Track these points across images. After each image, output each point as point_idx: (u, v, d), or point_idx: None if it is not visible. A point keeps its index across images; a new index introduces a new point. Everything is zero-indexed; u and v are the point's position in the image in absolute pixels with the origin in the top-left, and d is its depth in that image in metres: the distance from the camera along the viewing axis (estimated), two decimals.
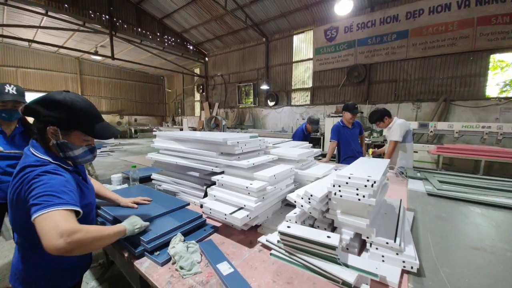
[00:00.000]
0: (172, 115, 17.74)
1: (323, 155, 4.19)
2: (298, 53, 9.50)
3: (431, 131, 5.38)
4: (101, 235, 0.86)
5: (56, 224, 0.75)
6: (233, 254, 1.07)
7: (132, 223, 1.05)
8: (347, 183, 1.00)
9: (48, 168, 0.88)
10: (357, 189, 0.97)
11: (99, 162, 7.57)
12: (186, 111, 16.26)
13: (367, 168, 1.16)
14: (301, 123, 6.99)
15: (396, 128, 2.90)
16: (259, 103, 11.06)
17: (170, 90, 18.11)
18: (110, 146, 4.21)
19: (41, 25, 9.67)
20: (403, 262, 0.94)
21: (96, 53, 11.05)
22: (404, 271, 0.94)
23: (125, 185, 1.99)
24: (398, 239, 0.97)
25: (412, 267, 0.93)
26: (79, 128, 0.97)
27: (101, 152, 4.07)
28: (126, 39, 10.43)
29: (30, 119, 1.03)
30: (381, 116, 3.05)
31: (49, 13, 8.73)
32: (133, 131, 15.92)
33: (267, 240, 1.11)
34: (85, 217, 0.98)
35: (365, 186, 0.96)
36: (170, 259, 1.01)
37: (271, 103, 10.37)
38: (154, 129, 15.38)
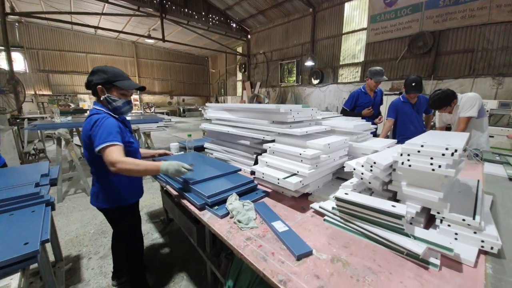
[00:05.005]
0: (215, 95, 18.40)
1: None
2: (349, 23, 8.55)
3: None
4: (136, 168, 1.22)
5: (109, 155, 1.19)
6: (285, 216, 1.10)
7: (169, 163, 1.28)
8: (419, 151, 0.89)
9: (103, 115, 1.32)
10: (431, 158, 0.87)
11: (156, 136, 8.47)
12: (229, 91, 16.62)
13: (441, 139, 1.02)
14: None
15: (468, 102, 2.40)
16: (302, 81, 10.58)
17: (213, 71, 18.63)
18: (165, 121, 4.64)
19: (104, 12, 10.73)
20: (482, 241, 0.83)
21: (149, 36, 11.88)
22: (481, 251, 0.84)
23: (182, 152, 2.19)
24: (478, 217, 0.85)
25: (492, 248, 0.82)
26: (115, 84, 1.36)
27: (157, 127, 4.52)
28: (174, 20, 10.88)
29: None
30: (448, 100, 2.44)
31: (110, 0, 9.58)
32: (181, 110, 17.14)
33: (320, 207, 1.10)
34: (131, 154, 1.41)
35: (443, 155, 0.84)
36: (228, 213, 1.09)
37: (315, 81, 9.80)
38: (200, 108, 16.30)
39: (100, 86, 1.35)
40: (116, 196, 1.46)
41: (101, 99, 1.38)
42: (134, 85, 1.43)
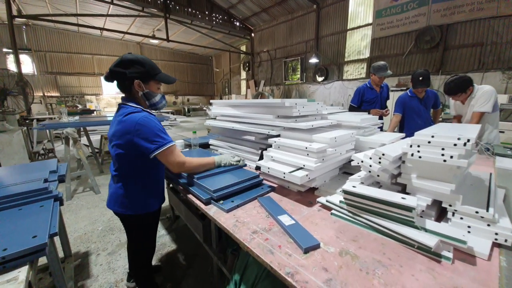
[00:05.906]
0: (220, 94, 18.43)
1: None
2: (354, 18, 8.43)
3: None
4: (198, 164, 1.34)
5: (173, 157, 1.20)
6: (292, 211, 1.09)
7: (221, 157, 1.46)
8: (429, 142, 0.87)
9: (145, 113, 1.18)
10: (442, 149, 0.84)
11: None
12: (233, 90, 16.62)
13: (453, 130, 0.99)
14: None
15: (484, 96, 2.33)
16: (306, 78, 10.50)
17: (217, 70, 18.66)
18: (170, 121, 4.66)
19: (109, 13, 10.85)
20: (496, 234, 0.81)
21: (153, 37, 11.97)
22: (494, 244, 0.81)
23: (187, 149, 2.19)
24: (491, 210, 0.82)
25: (506, 240, 0.79)
26: (153, 77, 1.25)
27: (164, 125, 4.53)
28: (178, 20, 10.92)
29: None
30: (465, 86, 2.37)
31: (114, 1, 9.67)
32: (186, 110, 17.23)
33: (327, 201, 1.08)
34: None
35: (455, 145, 0.82)
36: (234, 207, 1.08)
37: (319, 78, 9.71)
38: (204, 108, 16.35)
39: (137, 80, 1.20)
40: (144, 202, 1.32)
41: (139, 94, 1.24)
42: (173, 79, 1.34)
